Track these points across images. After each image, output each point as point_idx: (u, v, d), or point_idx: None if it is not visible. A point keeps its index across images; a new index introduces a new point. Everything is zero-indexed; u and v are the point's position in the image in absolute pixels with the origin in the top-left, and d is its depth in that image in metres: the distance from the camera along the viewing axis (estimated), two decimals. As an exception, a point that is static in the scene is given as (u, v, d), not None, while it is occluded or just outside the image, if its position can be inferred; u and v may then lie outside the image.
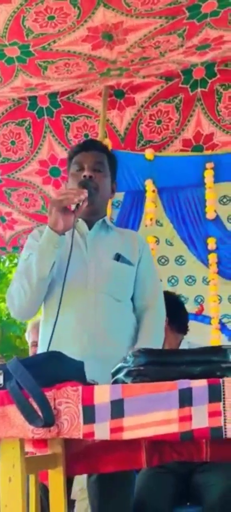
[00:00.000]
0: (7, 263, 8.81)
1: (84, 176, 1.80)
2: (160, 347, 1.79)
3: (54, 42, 2.41)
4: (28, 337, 3.05)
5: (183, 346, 2.35)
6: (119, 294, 1.76)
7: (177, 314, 2.24)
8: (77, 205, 1.66)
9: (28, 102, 3.07)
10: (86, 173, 1.81)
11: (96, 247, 1.81)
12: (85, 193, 1.68)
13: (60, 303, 1.53)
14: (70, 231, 1.67)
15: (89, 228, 1.84)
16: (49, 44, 2.43)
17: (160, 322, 1.83)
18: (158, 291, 1.87)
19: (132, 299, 1.82)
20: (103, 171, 1.85)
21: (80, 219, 1.83)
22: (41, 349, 1.77)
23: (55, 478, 1.26)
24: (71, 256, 1.63)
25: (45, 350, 1.56)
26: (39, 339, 1.82)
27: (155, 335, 1.77)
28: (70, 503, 1.95)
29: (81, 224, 1.84)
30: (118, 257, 1.79)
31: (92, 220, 1.84)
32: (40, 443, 1.27)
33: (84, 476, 1.67)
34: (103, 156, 1.88)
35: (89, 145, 1.93)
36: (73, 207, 1.68)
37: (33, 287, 1.71)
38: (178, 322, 2.27)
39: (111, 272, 1.77)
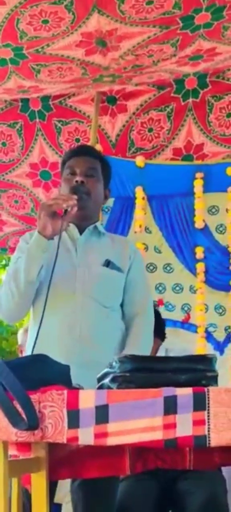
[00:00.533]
0: (-5, 264, 8.74)
1: (76, 181, 1.80)
2: (148, 354, 1.79)
3: (48, 45, 2.41)
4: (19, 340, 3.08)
5: (161, 352, 2.37)
6: (107, 300, 1.76)
7: (156, 319, 2.26)
8: (66, 211, 1.67)
9: (20, 104, 3.06)
10: (78, 178, 1.81)
11: (87, 253, 1.81)
12: (74, 199, 1.69)
13: (45, 306, 1.55)
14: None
15: (81, 233, 1.84)
16: (42, 48, 2.43)
17: (149, 330, 1.83)
18: (148, 298, 1.87)
19: (121, 305, 1.82)
20: (96, 177, 1.85)
21: (71, 224, 1.83)
22: (28, 352, 1.76)
23: (38, 482, 1.25)
24: (60, 260, 1.64)
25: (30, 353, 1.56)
26: (27, 342, 1.82)
27: (143, 342, 1.77)
28: (57, 508, 1.94)
29: (73, 229, 1.84)
30: (108, 263, 1.79)
31: (84, 225, 1.84)
32: (24, 446, 1.27)
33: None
34: (96, 162, 1.88)
35: (83, 151, 1.93)
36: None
37: (20, 290, 1.71)
38: (157, 327, 2.29)
39: (100, 278, 1.77)
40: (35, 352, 1.48)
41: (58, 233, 1.67)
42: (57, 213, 1.69)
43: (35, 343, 1.52)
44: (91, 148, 2.19)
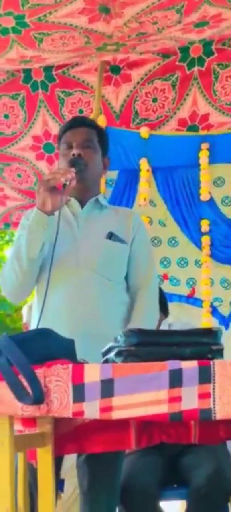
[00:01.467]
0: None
1: (73, 154, 1.79)
2: (154, 327, 1.78)
3: (50, 13, 2.36)
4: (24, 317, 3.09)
5: (164, 327, 2.36)
6: (110, 273, 1.75)
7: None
8: (64, 185, 1.65)
9: (22, 74, 3.01)
10: (74, 151, 1.79)
11: (89, 226, 1.80)
12: (72, 173, 1.67)
13: (48, 281, 1.54)
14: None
15: (82, 207, 1.82)
16: (45, 16, 2.37)
17: (153, 302, 1.82)
18: (152, 270, 1.86)
19: (126, 278, 1.80)
20: (92, 147, 1.83)
21: (73, 198, 1.81)
22: (33, 327, 1.76)
23: (44, 457, 1.26)
24: (63, 235, 1.64)
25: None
26: (31, 318, 1.82)
27: (148, 315, 1.77)
28: (60, 483, 1.96)
29: (74, 203, 1.82)
30: (110, 236, 1.78)
31: (85, 198, 1.83)
32: (30, 421, 1.27)
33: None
34: (92, 132, 1.86)
35: (77, 123, 1.90)
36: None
37: (23, 269, 1.70)
38: (160, 303, 2.28)
39: (102, 250, 1.75)
40: (40, 327, 1.47)
41: (58, 208, 1.65)
42: (57, 188, 1.67)
43: (40, 318, 1.52)
44: (86, 118, 2.15)
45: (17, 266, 1.70)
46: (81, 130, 1.84)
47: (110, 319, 1.69)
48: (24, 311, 3.25)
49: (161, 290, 2.45)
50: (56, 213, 1.67)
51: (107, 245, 1.76)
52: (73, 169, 1.69)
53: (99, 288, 1.72)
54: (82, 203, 1.82)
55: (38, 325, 1.52)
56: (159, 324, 2.35)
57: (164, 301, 2.40)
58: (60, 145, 1.87)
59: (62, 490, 2.10)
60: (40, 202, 1.67)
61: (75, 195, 1.81)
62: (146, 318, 1.74)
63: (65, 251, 1.69)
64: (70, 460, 1.75)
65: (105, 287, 1.73)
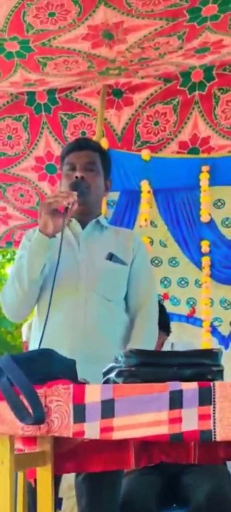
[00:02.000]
0: (0, 258, 8.78)
1: (76, 177, 1.80)
2: (153, 347, 1.79)
3: (54, 38, 2.41)
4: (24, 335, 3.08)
5: (166, 346, 2.37)
6: (110, 294, 1.76)
7: (161, 313, 2.25)
8: (67, 208, 1.66)
9: (26, 97, 3.06)
10: (77, 173, 1.80)
11: (89, 247, 1.81)
12: (75, 196, 1.68)
13: (50, 302, 1.55)
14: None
15: (83, 228, 1.84)
16: (49, 41, 2.42)
17: (153, 322, 1.83)
18: (151, 291, 1.86)
19: (126, 298, 1.81)
20: (95, 170, 1.84)
21: (74, 219, 1.82)
22: (32, 347, 1.77)
23: (44, 476, 1.26)
24: (63, 256, 1.64)
25: (36, 348, 1.56)
26: (31, 337, 1.83)
27: (147, 336, 1.77)
28: (58, 501, 1.95)
29: (75, 224, 1.84)
30: (111, 257, 1.79)
31: (86, 220, 1.84)
32: (30, 440, 1.27)
33: (73, 473, 1.67)
34: (95, 155, 1.86)
35: (81, 145, 1.91)
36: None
37: (24, 289, 1.71)
38: (162, 321, 2.28)
39: (103, 271, 1.76)
40: (41, 347, 1.48)
41: (59, 230, 1.65)
42: (58, 210, 1.68)
43: (41, 338, 1.53)
44: (90, 140, 2.17)
45: (18, 286, 1.71)
46: (85, 153, 1.85)
47: (110, 339, 1.70)
48: (24, 329, 3.25)
49: (164, 310, 2.45)
50: (58, 234, 1.69)
51: (108, 266, 1.77)
52: (75, 193, 1.69)
53: (100, 308, 1.72)
54: (83, 224, 1.84)
55: (40, 344, 1.52)
56: (162, 345, 2.35)
57: (166, 320, 2.40)
58: (63, 166, 1.87)
59: (60, 509, 2.09)
60: (41, 224, 1.67)
61: (76, 216, 1.82)
62: (146, 338, 1.75)
63: (65, 271, 1.70)
64: (68, 480, 1.74)
65: (105, 307, 1.73)
